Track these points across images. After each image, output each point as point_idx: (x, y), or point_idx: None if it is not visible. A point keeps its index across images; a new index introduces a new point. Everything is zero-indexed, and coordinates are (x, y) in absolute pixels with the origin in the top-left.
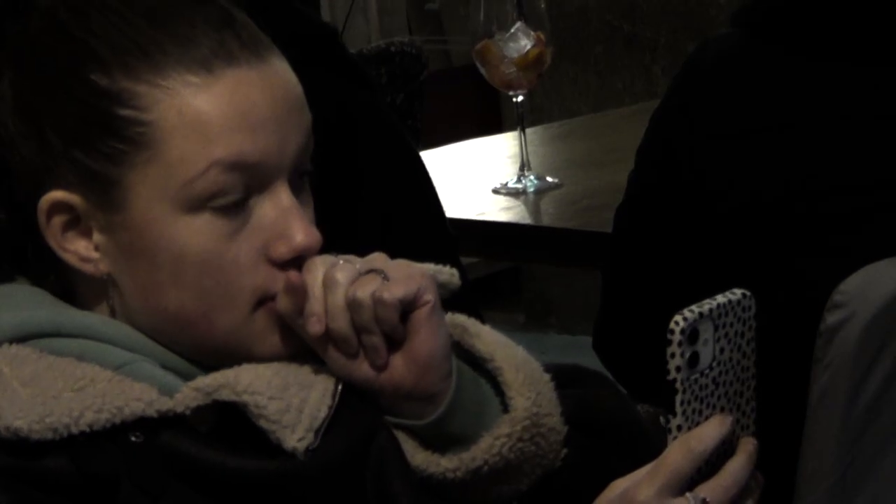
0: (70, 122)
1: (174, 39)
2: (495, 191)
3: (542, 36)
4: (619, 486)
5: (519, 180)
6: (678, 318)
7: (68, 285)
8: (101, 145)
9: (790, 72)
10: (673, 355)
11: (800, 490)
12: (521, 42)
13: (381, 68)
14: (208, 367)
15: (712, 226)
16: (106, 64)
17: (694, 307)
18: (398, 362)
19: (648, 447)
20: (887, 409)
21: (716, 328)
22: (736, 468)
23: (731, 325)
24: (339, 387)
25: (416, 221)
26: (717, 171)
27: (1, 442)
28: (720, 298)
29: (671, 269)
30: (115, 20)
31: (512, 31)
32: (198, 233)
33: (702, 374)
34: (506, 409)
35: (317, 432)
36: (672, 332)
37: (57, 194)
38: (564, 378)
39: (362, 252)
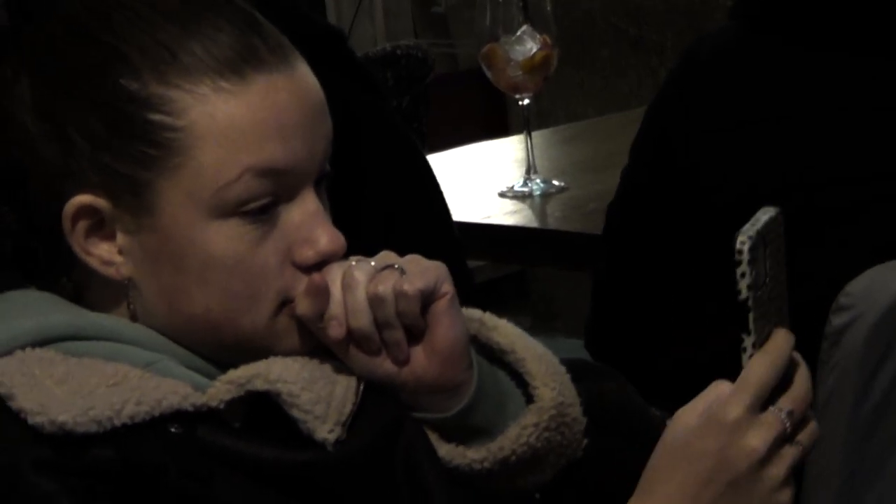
0: (98, 126)
1: (202, 43)
2: (501, 194)
3: (548, 39)
4: (696, 410)
5: (525, 184)
6: (743, 237)
7: (80, 288)
8: (131, 150)
9: (787, 63)
10: (743, 275)
11: (807, 491)
12: (527, 45)
13: (387, 71)
14: (228, 367)
15: (708, 219)
16: (134, 68)
17: (748, 226)
18: (419, 355)
19: (657, 438)
20: (892, 413)
21: (765, 245)
22: (805, 377)
23: (774, 241)
24: (361, 385)
25: (421, 224)
26: (712, 163)
27: (44, 437)
28: (762, 216)
29: (666, 265)
30: (140, 23)
31: (518, 34)
32: (227, 237)
33: (760, 290)
34: (528, 399)
35: (343, 426)
36: (740, 252)
37: (83, 198)
38: (574, 372)
39: (366, 255)
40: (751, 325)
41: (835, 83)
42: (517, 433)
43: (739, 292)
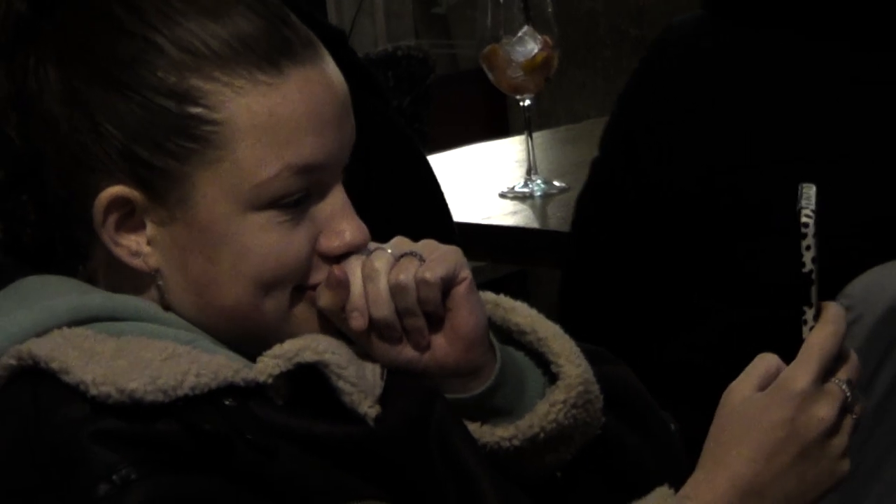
0: (131, 118)
1: (235, 34)
2: (502, 195)
3: (549, 40)
4: (750, 384)
5: (526, 184)
6: (807, 211)
7: (95, 278)
8: (168, 143)
9: (752, 48)
10: (808, 248)
11: None
12: (529, 46)
13: (388, 72)
14: (251, 357)
15: (680, 208)
16: (170, 59)
17: (805, 201)
18: (441, 341)
19: (656, 419)
20: (892, 414)
21: (818, 219)
22: (852, 349)
23: (817, 215)
24: (385, 371)
25: (422, 226)
26: (683, 149)
27: (105, 408)
28: (808, 191)
29: (638, 256)
30: (171, 13)
31: (519, 34)
32: (262, 229)
33: (818, 263)
34: (551, 379)
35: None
36: (806, 225)
37: (116, 189)
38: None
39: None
40: (813, 298)
41: (802, 66)
42: (546, 410)
43: (803, 265)
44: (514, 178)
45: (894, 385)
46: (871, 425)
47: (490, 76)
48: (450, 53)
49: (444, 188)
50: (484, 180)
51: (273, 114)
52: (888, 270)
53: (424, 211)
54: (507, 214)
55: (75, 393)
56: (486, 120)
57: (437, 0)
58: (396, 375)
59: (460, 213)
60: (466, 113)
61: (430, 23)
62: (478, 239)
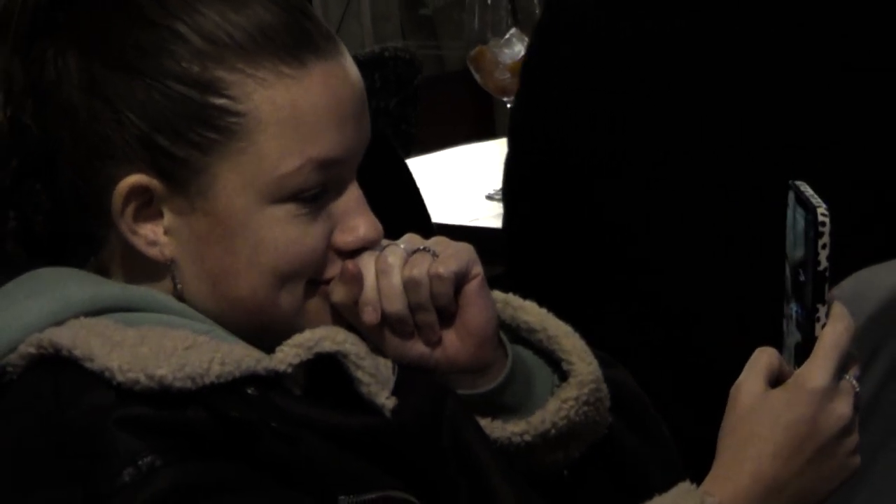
0: (154, 108)
1: (257, 25)
2: (489, 197)
3: None
4: (758, 381)
5: None
6: (822, 210)
7: (105, 270)
8: (190, 133)
9: (653, 25)
10: (825, 246)
11: None
12: (516, 48)
13: (375, 73)
14: (262, 349)
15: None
16: (195, 50)
17: (816, 200)
18: (452, 337)
19: (655, 423)
20: (880, 414)
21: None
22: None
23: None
24: (396, 366)
25: (401, 228)
26: (593, 132)
27: (130, 395)
28: (806, 189)
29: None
30: (195, 4)
31: (506, 36)
32: (281, 221)
33: (830, 261)
34: (561, 376)
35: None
36: (823, 224)
37: (136, 178)
38: None
39: None
40: (826, 295)
41: (783, 52)
42: (557, 406)
43: (819, 263)
44: (501, 179)
45: (879, 389)
46: (860, 426)
47: (477, 78)
48: (436, 55)
49: (430, 190)
50: (471, 182)
51: (296, 107)
52: (875, 272)
53: (403, 213)
54: (494, 216)
55: (99, 380)
56: (472, 121)
57: (424, 1)
58: (407, 371)
59: (447, 214)
60: (453, 114)
61: (416, 24)
62: (464, 241)
